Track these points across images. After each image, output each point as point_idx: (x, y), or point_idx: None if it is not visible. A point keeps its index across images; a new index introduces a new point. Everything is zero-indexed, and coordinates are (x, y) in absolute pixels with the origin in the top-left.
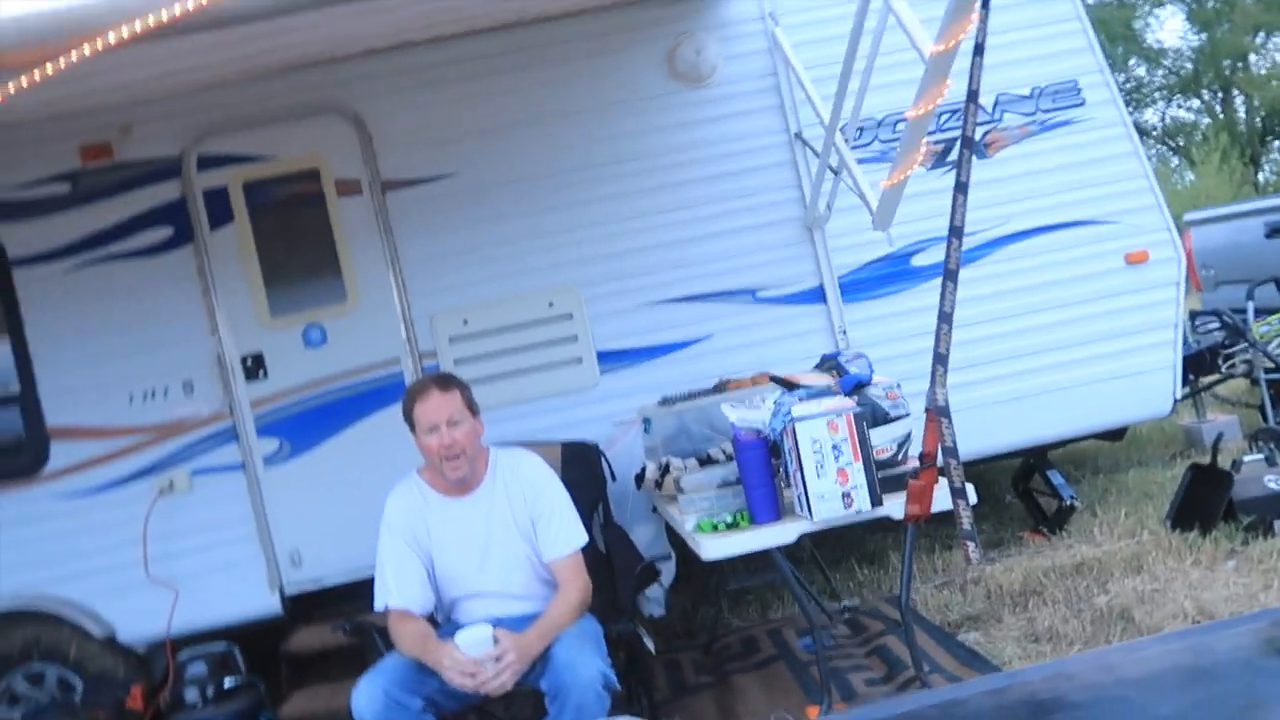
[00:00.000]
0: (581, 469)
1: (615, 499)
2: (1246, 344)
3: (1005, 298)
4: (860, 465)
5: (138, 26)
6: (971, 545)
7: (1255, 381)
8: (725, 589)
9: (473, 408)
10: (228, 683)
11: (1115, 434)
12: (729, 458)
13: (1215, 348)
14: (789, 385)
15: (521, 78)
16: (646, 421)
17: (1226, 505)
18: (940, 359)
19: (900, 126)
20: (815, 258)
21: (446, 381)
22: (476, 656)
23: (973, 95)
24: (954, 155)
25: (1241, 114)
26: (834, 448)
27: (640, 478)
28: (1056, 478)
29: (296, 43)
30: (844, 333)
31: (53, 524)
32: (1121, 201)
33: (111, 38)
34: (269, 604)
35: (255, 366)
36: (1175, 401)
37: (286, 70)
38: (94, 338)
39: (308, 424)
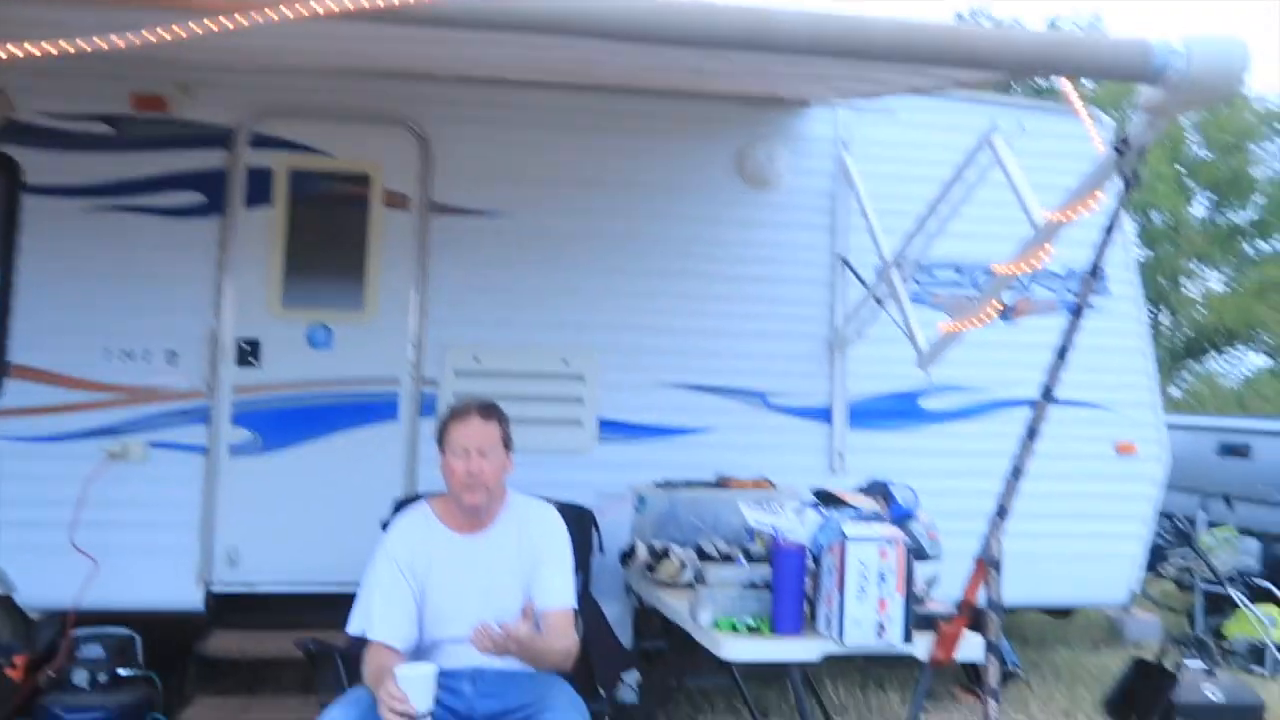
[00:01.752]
0: (572, 534)
1: (593, 571)
2: (1193, 551)
3: (997, 458)
4: (901, 599)
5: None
6: (994, 703)
7: (1186, 588)
8: (668, 685)
9: (508, 444)
10: (122, 672)
11: (1065, 612)
12: (724, 556)
13: (1155, 548)
14: (834, 501)
15: (592, 138)
16: (641, 500)
17: (1166, 707)
18: (1002, 512)
19: (939, 274)
20: (831, 378)
21: (489, 411)
22: (408, 694)
23: (1096, 270)
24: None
25: (1167, 330)
26: (880, 575)
27: (628, 556)
28: (1004, 642)
29: (383, 52)
30: (841, 456)
31: None
32: (1123, 393)
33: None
34: (191, 598)
35: (249, 352)
36: (1132, 594)
37: (365, 74)
38: (88, 284)
39: (287, 422)
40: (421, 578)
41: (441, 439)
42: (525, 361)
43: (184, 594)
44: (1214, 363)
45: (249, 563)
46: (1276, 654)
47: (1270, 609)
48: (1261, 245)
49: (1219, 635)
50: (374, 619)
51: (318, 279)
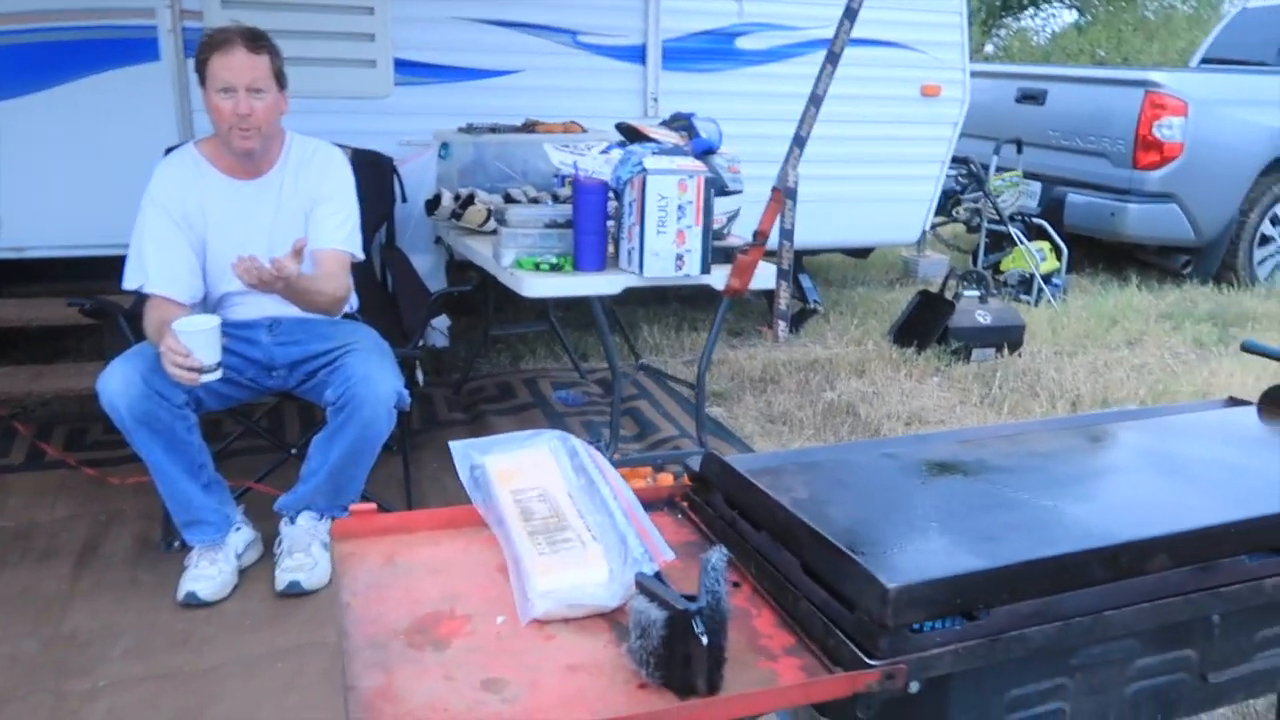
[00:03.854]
0: (371, 182)
1: (399, 222)
2: (982, 194)
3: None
4: (700, 230)
5: None
6: (783, 324)
7: (974, 229)
8: (487, 333)
9: (281, 79)
10: None
11: (863, 252)
12: (532, 201)
13: (950, 192)
14: (636, 136)
15: None
16: (445, 147)
17: (942, 331)
18: (799, 141)
19: None
20: (645, 14)
21: (258, 41)
22: (191, 349)
23: (833, 57)
24: None
25: None
26: (679, 208)
27: (432, 204)
28: (806, 281)
29: None
30: (655, 100)
31: None
32: (933, 33)
33: None
34: None
35: None
36: (923, 233)
37: None
38: None
39: (20, 64)
40: (199, 227)
41: (202, 72)
42: None
43: None
44: (1028, 20)
45: (12, 225)
46: (1042, 284)
47: (1043, 245)
48: None
49: (997, 270)
50: (149, 270)
51: None
